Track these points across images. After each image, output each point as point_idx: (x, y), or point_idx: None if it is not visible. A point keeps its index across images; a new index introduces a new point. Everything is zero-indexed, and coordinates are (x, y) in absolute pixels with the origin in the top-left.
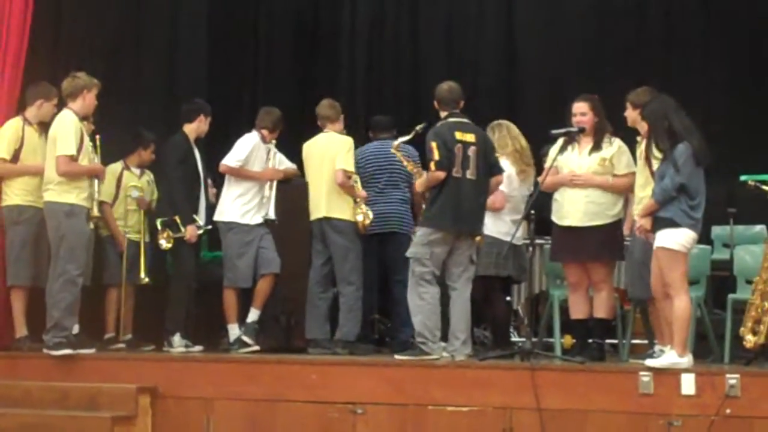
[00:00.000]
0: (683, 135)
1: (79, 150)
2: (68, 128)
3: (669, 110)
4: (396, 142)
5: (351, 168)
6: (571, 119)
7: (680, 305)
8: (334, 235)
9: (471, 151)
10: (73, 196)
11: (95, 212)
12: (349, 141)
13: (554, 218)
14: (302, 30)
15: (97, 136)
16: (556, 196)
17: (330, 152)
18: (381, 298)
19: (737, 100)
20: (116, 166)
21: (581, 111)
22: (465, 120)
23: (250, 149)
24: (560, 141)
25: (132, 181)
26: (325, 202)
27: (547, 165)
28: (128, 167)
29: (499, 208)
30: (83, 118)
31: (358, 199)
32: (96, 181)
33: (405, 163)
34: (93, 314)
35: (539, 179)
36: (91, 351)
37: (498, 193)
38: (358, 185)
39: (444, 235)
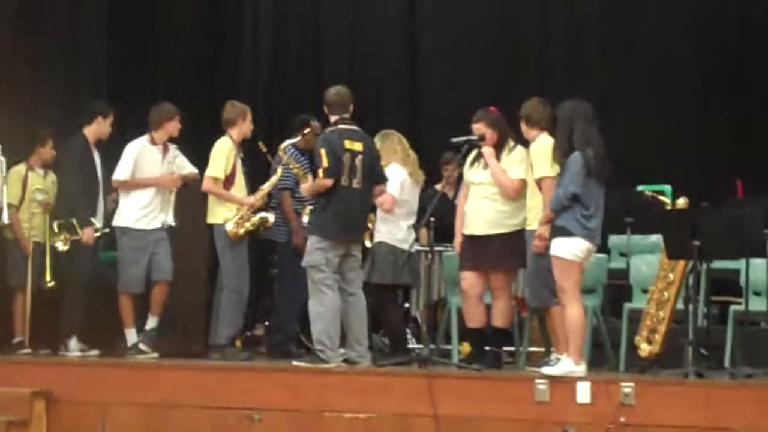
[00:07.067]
0: (578, 145)
1: None
2: None
3: (575, 119)
4: (283, 144)
5: (218, 174)
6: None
7: (572, 314)
8: (215, 240)
9: (358, 160)
10: None
11: (4, 220)
12: (218, 145)
13: (463, 228)
14: (204, 29)
15: None
16: (464, 207)
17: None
18: None
19: (635, 111)
20: (20, 168)
21: (480, 131)
22: (354, 128)
23: (134, 157)
24: (471, 156)
25: (37, 183)
26: (209, 208)
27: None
28: (32, 168)
29: (387, 209)
30: None
31: (239, 206)
32: None
33: (291, 166)
34: None
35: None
36: None
37: (386, 194)
38: (236, 192)
39: (333, 243)
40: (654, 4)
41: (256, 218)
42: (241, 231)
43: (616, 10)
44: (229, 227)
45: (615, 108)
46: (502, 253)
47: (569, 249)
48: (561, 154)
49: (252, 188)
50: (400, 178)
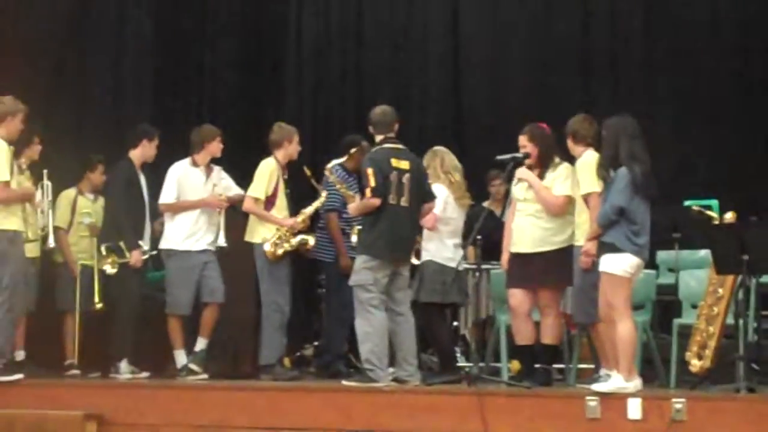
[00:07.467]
0: (625, 161)
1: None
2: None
3: (621, 135)
4: (330, 165)
5: (258, 194)
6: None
7: (624, 329)
8: (255, 259)
9: (405, 178)
10: (13, 222)
11: (50, 244)
12: (261, 165)
13: (510, 246)
14: (248, 50)
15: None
16: (511, 224)
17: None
18: None
19: (682, 126)
20: (70, 192)
21: (522, 144)
22: (400, 146)
23: (176, 180)
24: (517, 174)
25: (85, 207)
26: (248, 227)
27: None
28: (82, 192)
29: (430, 228)
30: (10, 143)
31: (279, 227)
32: (28, 205)
33: (338, 186)
34: (45, 341)
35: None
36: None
37: (429, 213)
38: (277, 213)
39: (382, 262)
40: (698, 6)
41: (295, 240)
42: (279, 252)
43: (658, 11)
44: (267, 247)
45: (661, 123)
46: (550, 269)
47: (619, 265)
48: (606, 170)
49: (295, 210)
50: (443, 196)
